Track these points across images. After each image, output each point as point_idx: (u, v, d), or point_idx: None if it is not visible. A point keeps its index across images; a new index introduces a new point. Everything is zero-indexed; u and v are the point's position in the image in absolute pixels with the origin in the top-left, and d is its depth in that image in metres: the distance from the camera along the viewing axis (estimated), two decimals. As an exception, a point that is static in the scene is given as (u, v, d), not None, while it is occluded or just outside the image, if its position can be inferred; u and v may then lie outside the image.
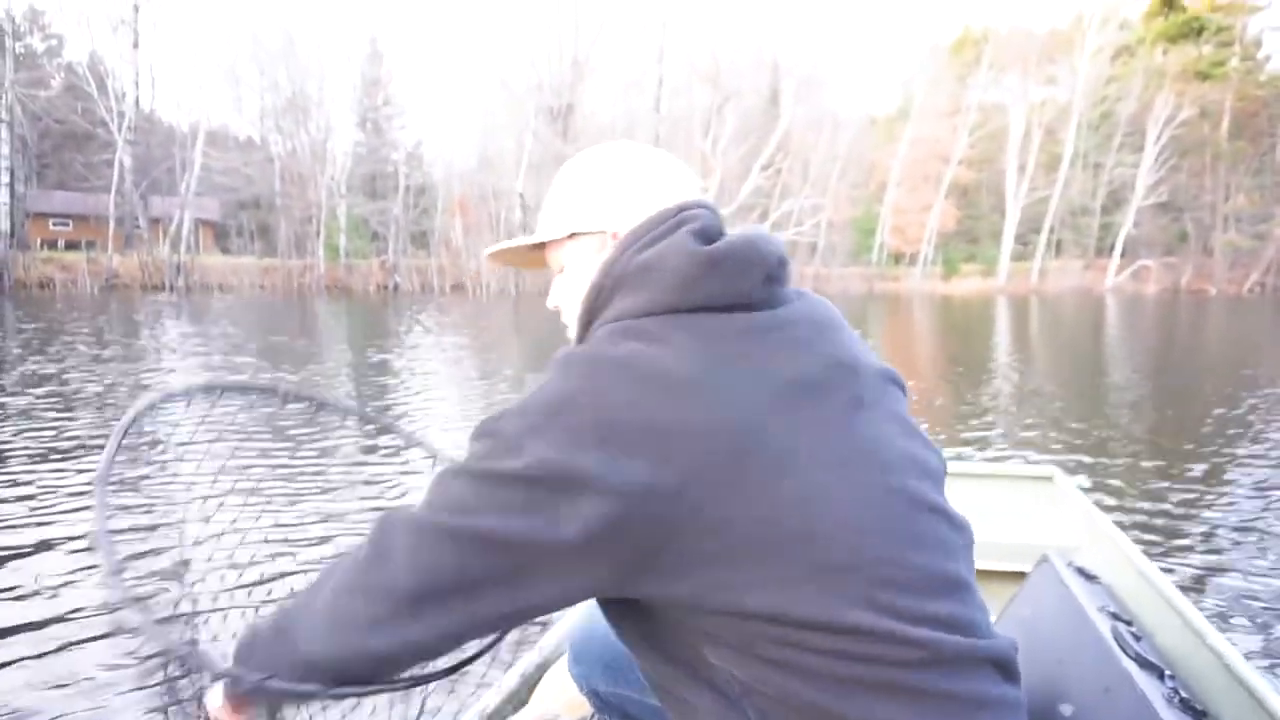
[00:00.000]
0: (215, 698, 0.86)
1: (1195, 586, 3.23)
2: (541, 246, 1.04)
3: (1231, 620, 2.94)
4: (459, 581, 0.77)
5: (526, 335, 16.97)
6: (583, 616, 1.39)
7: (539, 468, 0.75)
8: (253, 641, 0.87)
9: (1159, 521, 4.14)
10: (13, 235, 33.53)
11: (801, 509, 0.75)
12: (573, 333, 0.97)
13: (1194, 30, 46.51)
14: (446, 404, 8.31)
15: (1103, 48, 43.77)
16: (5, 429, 6.12)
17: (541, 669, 1.62)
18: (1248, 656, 1.57)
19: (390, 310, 24.80)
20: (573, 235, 0.98)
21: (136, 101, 37.49)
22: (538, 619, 0.87)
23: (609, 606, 0.89)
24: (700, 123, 42.48)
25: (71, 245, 36.31)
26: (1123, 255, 43.73)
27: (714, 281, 0.83)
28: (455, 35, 63.97)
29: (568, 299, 1.00)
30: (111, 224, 35.13)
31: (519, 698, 1.58)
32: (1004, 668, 0.83)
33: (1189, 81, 43.21)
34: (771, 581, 0.75)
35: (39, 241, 36.72)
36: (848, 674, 0.76)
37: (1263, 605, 3.08)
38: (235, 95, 41.49)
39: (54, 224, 38.85)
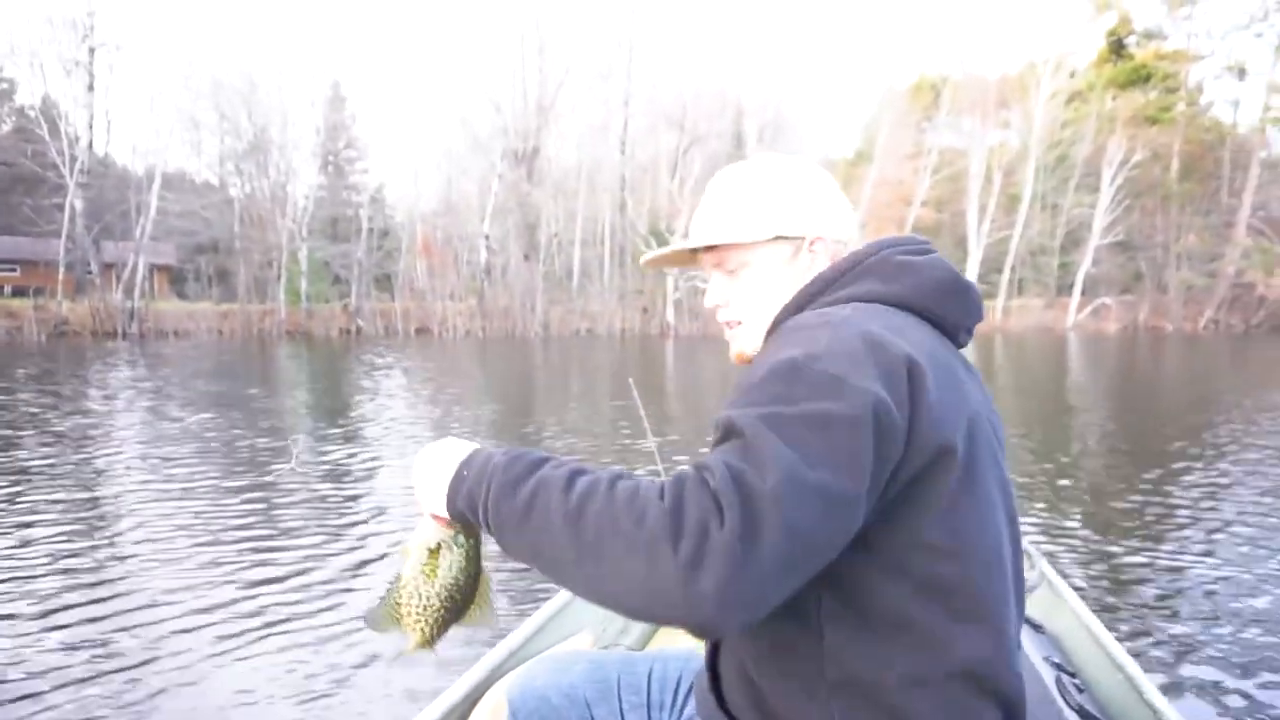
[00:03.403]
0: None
1: (1138, 638, 3.16)
2: (701, 248, 1.07)
3: (1172, 674, 2.90)
4: (827, 534, 0.73)
5: (494, 376, 16.41)
6: (520, 673, 1.34)
7: (869, 405, 0.75)
8: (509, 492, 0.82)
9: (1106, 571, 4.02)
10: (-45, 281, 32.31)
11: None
12: (752, 327, 1.05)
13: (1141, 77, 48.13)
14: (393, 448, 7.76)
15: (1056, 92, 45.01)
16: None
17: (471, 698, 1.60)
18: (1185, 713, 1.59)
19: (351, 355, 24.05)
20: (776, 238, 1.02)
21: (90, 144, 36.61)
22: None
23: None
24: (667, 165, 42.69)
25: (19, 291, 35.03)
26: (1083, 293, 44.44)
27: (959, 305, 1.02)
28: (419, 79, 64.24)
29: (749, 297, 1.05)
30: (61, 269, 33.95)
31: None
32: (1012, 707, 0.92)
33: (1139, 125, 44.53)
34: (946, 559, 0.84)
35: (-17, 288, 35.51)
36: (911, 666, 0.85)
37: (1205, 659, 3.01)
38: (194, 139, 40.81)
39: None
